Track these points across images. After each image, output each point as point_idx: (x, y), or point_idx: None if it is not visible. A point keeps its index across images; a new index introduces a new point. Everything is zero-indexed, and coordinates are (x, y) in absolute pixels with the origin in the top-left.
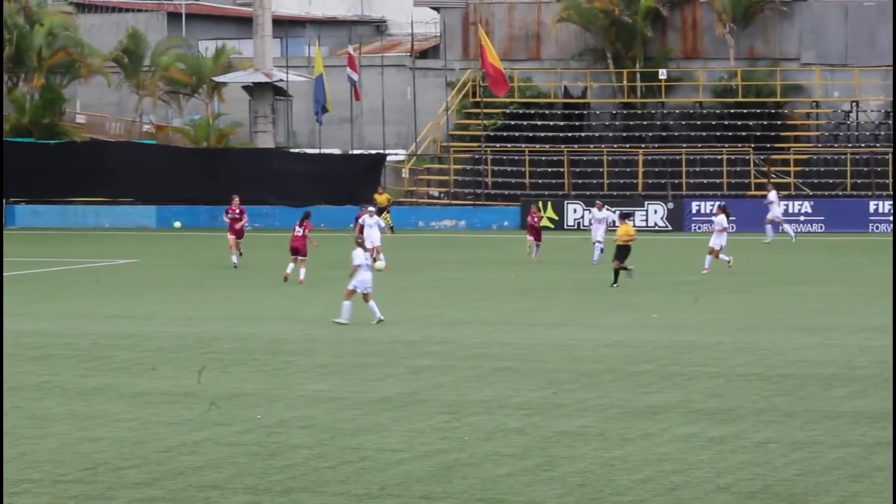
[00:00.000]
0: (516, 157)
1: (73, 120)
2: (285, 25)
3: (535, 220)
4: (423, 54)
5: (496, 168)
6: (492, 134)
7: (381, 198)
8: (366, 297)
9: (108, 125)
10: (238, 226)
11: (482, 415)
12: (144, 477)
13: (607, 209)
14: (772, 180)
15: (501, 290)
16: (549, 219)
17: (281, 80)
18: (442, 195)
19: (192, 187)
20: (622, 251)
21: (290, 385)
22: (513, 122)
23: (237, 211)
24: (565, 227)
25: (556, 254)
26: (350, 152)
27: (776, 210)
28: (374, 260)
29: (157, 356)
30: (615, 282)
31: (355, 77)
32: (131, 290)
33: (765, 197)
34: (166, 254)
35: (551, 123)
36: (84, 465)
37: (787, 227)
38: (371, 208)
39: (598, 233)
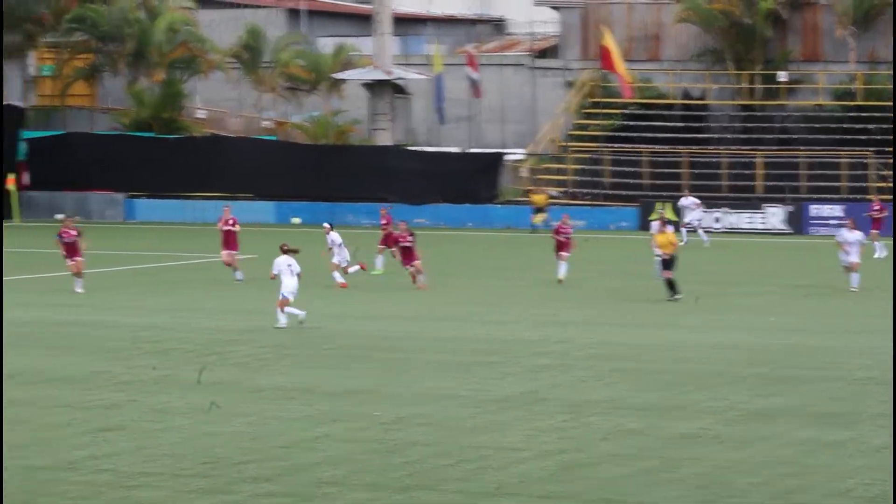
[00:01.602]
0: (635, 158)
1: (192, 115)
2: (405, 23)
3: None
4: (542, 53)
5: (615, 168)
6: (610, 134)
7: (539, 197)
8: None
9: (227, 120)
10: (230, 237)
11: (601, 415)
12: (263, 472)
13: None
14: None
15: (612, 292)
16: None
17: (400, 78)
18: (560, 195)
19: (310, 183)
20: (669, 263)
21: (408, 382)
22: (631, 123)
23: (230, 222)
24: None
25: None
26: (467, 151)
27: (693, 214)
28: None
29: (276, 352)
30: (674, 293)
31: (475, 76)
32: (249, 286)
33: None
34: None
35: (670, 124)
36: (203, 460)
37: (700, 232)
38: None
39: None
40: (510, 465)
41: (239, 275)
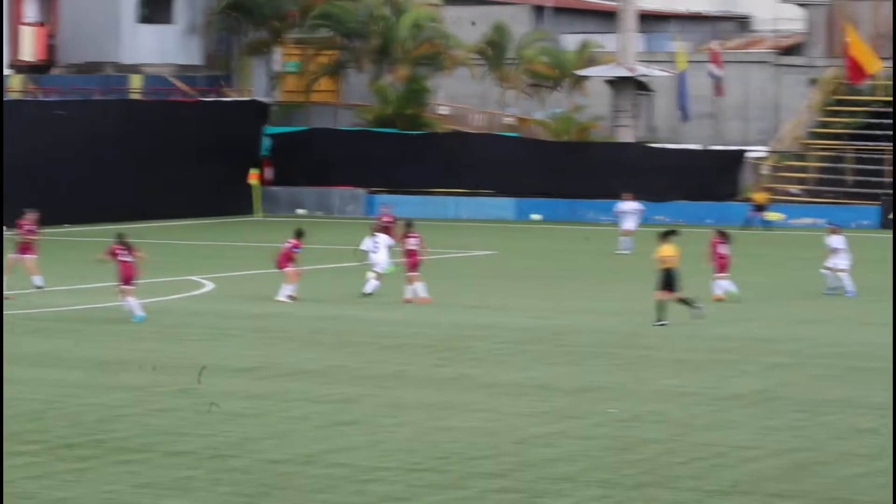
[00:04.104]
0: (877, 156)
1: (435, 111)
2: (649, 20)
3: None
4: (787, 51)
5: (857, 167)
6: (854, 132)
7: (760, 195)
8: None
9: (469, 117)
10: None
11: (835, 414)
12: (497, 467)
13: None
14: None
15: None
16: None
17: (643, 75)
18: (802, 192)
19: (551, 180)
20: (670, 279)
21: (644, 379)
22: (875, 121)
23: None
24: None
25: None
26: (709, 148)
27: (630, 222)
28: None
29: (513, 348)
30: (693, 306)
31: (719, 73)
32: (489, 282)
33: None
34: (524, 246)
35: None
36: (437, 455)
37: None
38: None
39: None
40: (742, 463)
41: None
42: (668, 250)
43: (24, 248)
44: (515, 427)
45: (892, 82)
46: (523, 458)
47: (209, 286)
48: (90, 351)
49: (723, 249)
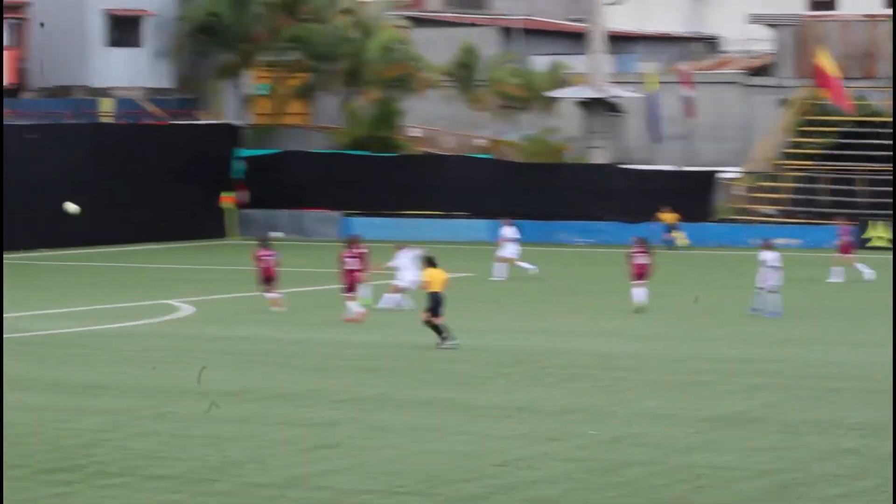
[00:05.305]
0: (850, 176)
1: (406, 133)
2: (618, 41)
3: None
4: (757, 71)
5: (832, 187)
6: (826, 152)
7: (668, 216)
8: None
9: (441, 139)
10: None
11: (817, 434)
12: (480, 490)
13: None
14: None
15: (826, 309)
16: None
17: (614, 96)
18: (777, 213)
19: (525, 202)
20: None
21: (624, 401)
22: (847, 141)
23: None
24: None
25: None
26: (681, 169)
27: (509, 249)
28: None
29: (492, 370)
30: (445, 338)
31: (689, 94)
32: (465, 304)
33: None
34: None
35: (886, 142)
36: (421, 478)
37: (523, 264)
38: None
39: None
40: (726, 484)
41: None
42: (434, 275)
43: None
44: (498, 449)
45: (892, 91)
46: (505, 481)
47: (187, 310)
48: (67, 374)
49: (641, 259)
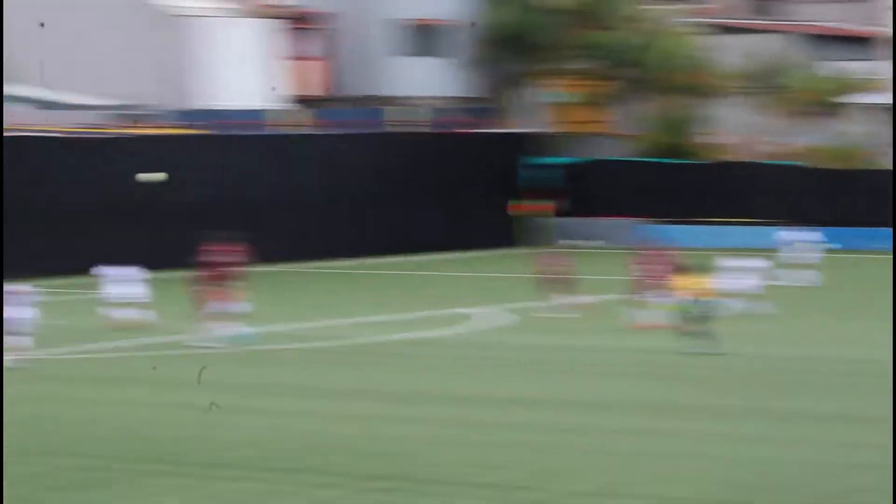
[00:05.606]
0: None
1: (709, 140)
2: None
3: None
4: None
5: None
6: None
7: None
8: None
9: (744, 145)
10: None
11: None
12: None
13: None
14: None
15: None
16: None
17: None
18: None
19: (835, 208)
20: None
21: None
22: None
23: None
24: None
25: None
26: None
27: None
28: None
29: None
30: None
31: None
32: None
33: None
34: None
35: None
36: (749, 489)
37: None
38: None
39: None
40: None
41: None
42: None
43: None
44: None
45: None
46: None
47: (486, 317)
48: (387, 383)
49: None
